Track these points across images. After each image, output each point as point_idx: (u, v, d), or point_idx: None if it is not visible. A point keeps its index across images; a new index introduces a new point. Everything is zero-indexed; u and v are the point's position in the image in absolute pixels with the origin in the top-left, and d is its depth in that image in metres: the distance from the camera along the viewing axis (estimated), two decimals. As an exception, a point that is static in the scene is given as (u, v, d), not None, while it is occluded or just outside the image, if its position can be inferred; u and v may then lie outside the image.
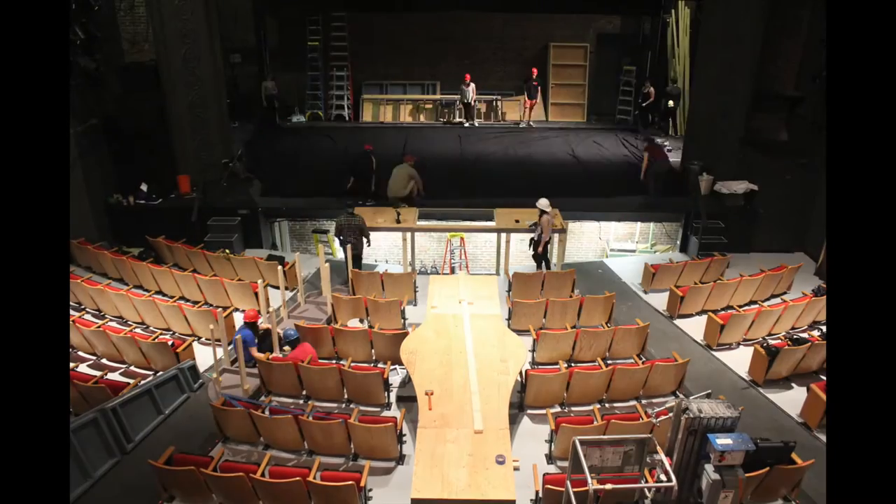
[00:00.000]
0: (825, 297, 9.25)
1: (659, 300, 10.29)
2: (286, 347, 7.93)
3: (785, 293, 10.56)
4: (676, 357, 7.72)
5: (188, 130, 12.65)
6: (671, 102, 16.50)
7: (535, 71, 17.19)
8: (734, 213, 12.17)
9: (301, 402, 7.60)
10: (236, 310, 9.60)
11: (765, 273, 10.19)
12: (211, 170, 12.77)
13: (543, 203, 10.35)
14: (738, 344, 9.03)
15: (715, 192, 12.38)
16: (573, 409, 7.49)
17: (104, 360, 8.50)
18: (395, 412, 7.41)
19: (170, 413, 7.42)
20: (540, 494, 5.72)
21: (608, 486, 4.69)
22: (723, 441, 4.65)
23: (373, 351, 8.34)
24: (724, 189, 12.28)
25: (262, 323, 8.29)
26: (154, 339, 8.18)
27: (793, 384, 8.15)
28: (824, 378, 7.88)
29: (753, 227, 12.22)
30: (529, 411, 7.47)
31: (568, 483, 4.98)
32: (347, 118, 18.45)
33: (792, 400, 7.77)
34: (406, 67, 18.68)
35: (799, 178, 11.84)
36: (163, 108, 12.51)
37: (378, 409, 7.48)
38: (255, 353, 7.90)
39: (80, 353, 8.59)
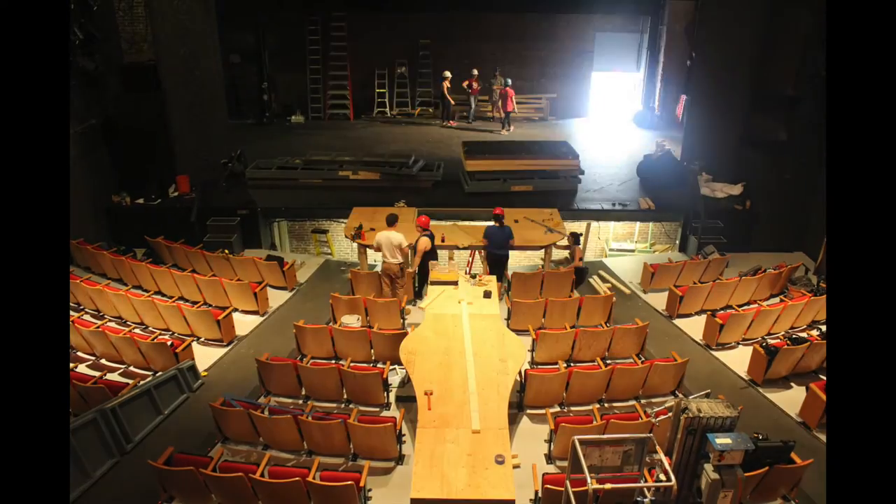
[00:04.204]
0: (824, 296, 9.26)
1: (658, 300, 10.29)
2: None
3: (783, 292, 10.57)
4: (676, 357, 7.72)
5: (188, 130, 12.64)
6: None
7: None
8: (729, 213, 12.19)
9: (300, 402, 7.59)
10: (235, 310, 9.60)
11: (764, 272, 10.19)
12: (210, 170, 12.77)
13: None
14: (738, 343, 9.03)
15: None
16: (572, 408, 7.49)
17: (103, 361, 8.49)
18: (394, 412, 7.41)
19: (169, 413, 7.41)
20: (539, 494, 5.72)
21: (607, 486, 4.68)
22: (722, 440, 4.65)
23: (372, 351, 8.34)
24: (718, 193, 12.33)
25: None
26: (153, 340, 8.18)
27: (792, 384, 8.16)
28: (824, 377, 7.90)
29: (752, 227, 12.22)
30: (529, 411, 7.47)
31: (567, 483, 4.98)
32: (347, 118, 18.48)
33: (791, 399, 7.77)
34: (406, 67, 18.70)
35: (799, 177, 11.84)
36: (163, 108, 12.50)
37: (377, 409, 7.48)
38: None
39: (80, 354, 8.58)
